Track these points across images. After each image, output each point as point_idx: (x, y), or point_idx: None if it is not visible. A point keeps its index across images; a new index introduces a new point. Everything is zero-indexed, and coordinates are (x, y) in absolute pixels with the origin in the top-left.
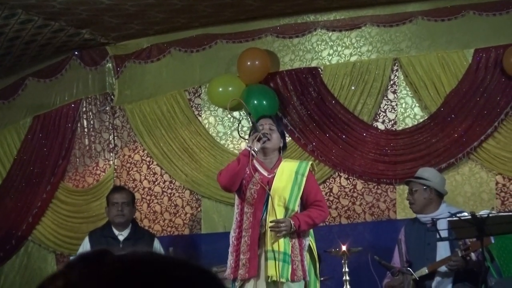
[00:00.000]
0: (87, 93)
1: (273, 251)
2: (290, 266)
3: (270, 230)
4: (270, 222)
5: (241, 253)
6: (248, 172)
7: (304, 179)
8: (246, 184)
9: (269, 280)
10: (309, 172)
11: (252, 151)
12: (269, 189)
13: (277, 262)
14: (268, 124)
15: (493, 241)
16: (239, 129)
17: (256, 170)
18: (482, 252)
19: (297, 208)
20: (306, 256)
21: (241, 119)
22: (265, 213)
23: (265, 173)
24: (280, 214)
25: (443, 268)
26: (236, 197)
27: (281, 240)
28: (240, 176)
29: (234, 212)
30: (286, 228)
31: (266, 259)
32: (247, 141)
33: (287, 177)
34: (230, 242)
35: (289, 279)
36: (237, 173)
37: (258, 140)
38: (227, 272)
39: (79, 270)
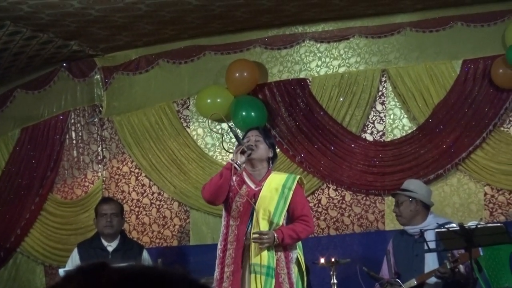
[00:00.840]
0: (75, 104)
1: (255, 264)
2: (273, 280)
3: (253, 242)
4: (253, 233)
5: (226, 265)
6: (234, 185)
7: (291, 193)
8: (232, 197)
9: None
10: (297, 186)
11: (235, 165)
12: (255, 202)
13: (258, 276)
14: (254, 135)
15: (481, 254)
16: (222, 142)
17: (243, 182)
18: (471, 263)
19: (282, 222)
20: (294, 268)
21: (225, 132)
22: (250, 226)
23: (253, 186)
24: (264, 227)
25: (432, 280)
26: (223, 209)
27: (265, 254)
28: (223, 190)
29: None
30: (269, 240)
31: (250, 272)
32: (231, 153)
33: (274, 190)
34: (217, 255)
35: None
36: (220, 187)
37: (242, 153)
38: (214, 285)
39: (77, 282)
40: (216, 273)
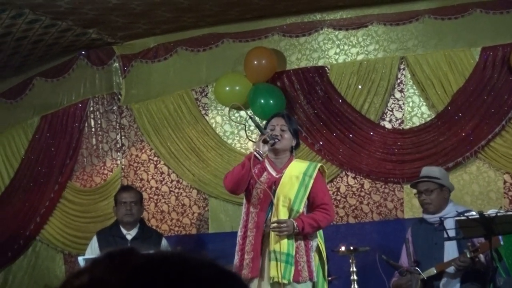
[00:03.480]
0: (94, 92)
1: (275, 251)
2: (292, 268)
3: (271, 230)
4: (272, 222)
5: (246, 252)
6: (254, 175)
7: (312, 181)
8: (253, 184)
9: (271, 281)
10: (318, 174)
11: (257, 154)
12: (275, 189)
13: (279, 263)
14: (280, 124)
15: (502, 243)
16: (246, 130)
17: (265, 169)
18: (491, 253)
19: (302, 210)
20: (315, 257)
21: (247, 118)
22: (269, 213)
23: (274, 173)
24: (284, 215)
25: (451, 269)
26: (244, 196)
27: (285, 241)
28: (245, 180)
29: (241, 211)
30: (288, 229)
31: (269, 260)
32: (254, 142)
33: (295, 177)
34: (237, 242)
35: (291, 280)
36: (242, 177)
37: (265, 142)
38: None
39: (104, 266)
40: (236, 260)
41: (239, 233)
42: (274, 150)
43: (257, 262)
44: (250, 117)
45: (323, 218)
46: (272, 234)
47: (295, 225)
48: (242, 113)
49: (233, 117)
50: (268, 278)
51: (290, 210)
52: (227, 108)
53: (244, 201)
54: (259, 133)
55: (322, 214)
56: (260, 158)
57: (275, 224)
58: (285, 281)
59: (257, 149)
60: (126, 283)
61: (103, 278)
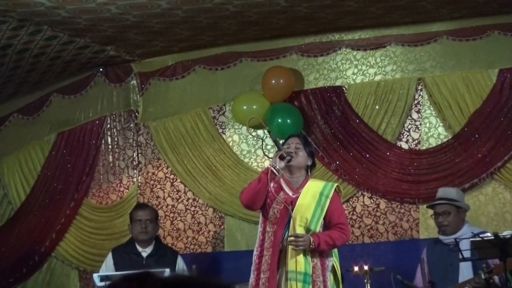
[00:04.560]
0: (111, 109)
1: (293, 271)
2: (310, 287)
3: (288, 244)
4: (289, 236)
5: (262, 272)
6: (272, 191)
7: (328, 200)
8: (270, 203)
9: None
10: (334, 194)
11: (274, 169)
12: (292, 209)
13: (297, 283)
14: (294, 143)
15: None
16: (263, 147)
17: (281, 189)
18: (505, 274)
19: (318, 229)
20: (330, 276)
21: (264, 137)
22: (286, 232)
23: (290, 193)
24: (301, 233)
25: None
26: (260, 215)
27: (301, 260)
28: (261, 195)
29: (257, 230)
30: (305, 243)
31: (286, 279)
32: (270, 159)
33: (311, 197)
34: (253, 261)
35: None
36: (258, 192)
37: (281, 159)
38: None
39: None
40: (252, 279)
41: (255, 252)
42: (289, 168)
43: (273, 281)
44: (269, 132)
45: (339, 237)
46: (289, 253)
47: (311, 240)
48: (259, 132)
49: (253, 133)
50: None
51: (307, 230)
52: (244, 127)
53: (261, 220)
54: (276, 150)
55: (338, 232)
56: (276, 173)
57: (292, 238)
58: None
59: (274, 164)
60: None
61: None
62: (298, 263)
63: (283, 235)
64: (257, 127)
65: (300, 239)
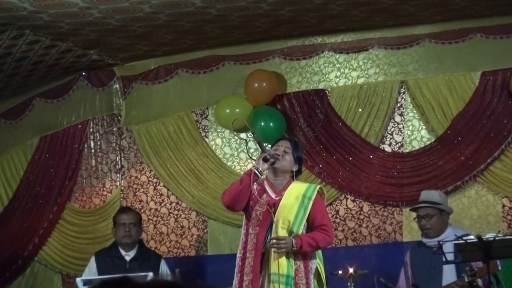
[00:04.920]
0: (94, 114)
1: (276, 274)
2: None
3: (270, 246)
4: (271, 239)
5: (245, 274)
6: (254, 193)
7: (311, 202)
8: (253, 205)
9: None
10: (317, 196)
11: (256, 171)
12: (275, 211)
13: (279, 285)
14: (284, 146)
15: (500, 268)
16: (247, 150)
17: (264, 191)
18: (489, 277)
19: (301, 231)
20: (314, 280)
21: (248, 140)
22: (269, 235)
23: (273, 195)
24: (284, 235)
25: None
26: (244, 217)
27: (284, 263)
28: (243, 196)
29: (241, 233)
30: (287, 245)
31: (269, 282)
32: (254, 161)
33: (294, 199)
34: (236, 263)
35: None
36: (239, 193)
37: (265, 161)
38: None
39: None
40: (235, 282)
41: (238, 255)
42: (274, 170)
43: (257, 283)
44: (253, 133)
45: (322, 239)
46: (272, 255)
47: (293, 242)
48: (242, 135)
49: (235, 137)
50: None
51: (290, 232)
52: (227, 131)
53: (244, 222)
54: (260, 151)
55: (321, 234)
56: (259, 175)
57: (274, 240)
58: None
59: (257, 166)
60: None
61: None
62: (281, 265)
63: (266, 237)
64: (241, 129)
65: (282, 241)
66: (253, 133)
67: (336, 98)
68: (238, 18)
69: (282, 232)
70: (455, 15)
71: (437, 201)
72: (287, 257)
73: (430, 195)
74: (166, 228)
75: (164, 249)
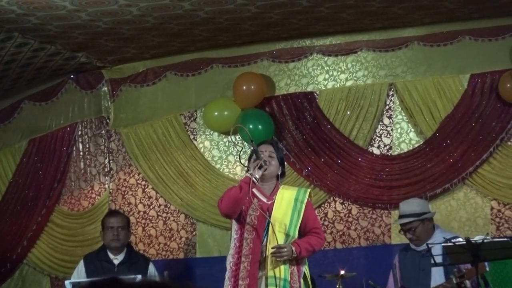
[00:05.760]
0: (82, 116)
1: (274, 277)
2: None
3: (272, 256)
4: (272, 248)
5: (240, 279)
6: (247, 199)
7: (304, 206)
8: (245, 210)
9: None
10: (308, 199)
11: (254, 179)
12: (269, 216)
13: None
14: (268, 151)
15: (488, 269)
16: (240, 156)
17: (254, 196)
18: (477, 278)
19: (296, 235)
20: (302, 282)
21: (248, 146)
22: (265, 239)
23: (264, 200)
24: (280, 240)
25: None
26: (234, 222)
27: (281, 267)
28: (241, 204)
29: (231, 237)
30: (288, 253)
31: (266, 285)
32: (247, 168)
33: (287, 204)
34: (228, 268)
35: None
36: (239, 201)
37: (260, 168)
38: None
39: None
40: (228, 286)
41: (230, 259)
42: (262, 176)
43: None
44: (251, 141)
45: (317, 242)
46: (269, 259)
47: (293, 249)
48: (231, 138)
49: (224, 139)
50: None
51: (287, 236)
52: (216, 133)
53: (235, 227)
54: (253, 159)
55: (316, 238)
56: (256, 183)
57: (275, 249)
58: None
59: (253, 174)
60: None
61: None
62: (280, 269)
63: (262, 241)
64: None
65: (283, 249)
66: (251, 141)
67: (324, 101)
68: (226, 21)
69: (280, 236)
70: (443, 18)
71: (415, 212)
72: (284, 262)
73: (407, 206)
74: (154, 231)
75: (153, 252)
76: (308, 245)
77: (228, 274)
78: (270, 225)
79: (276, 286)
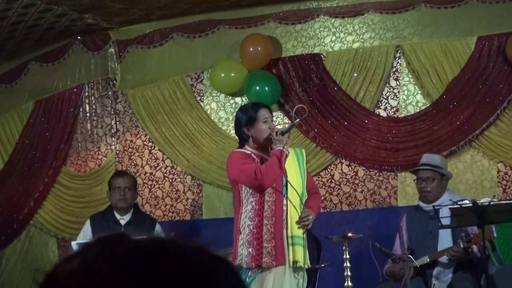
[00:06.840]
0: (89, 77)
1: (295, 236)
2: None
3: (302, 224)
4: (301, 216)
5: (264, 241)
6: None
7: (305, 166)
8: None
9: (296, 265)
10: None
11: (287, 152)
12: (286, 179)
13: (299, 247)
14: (269, 117)
15: (495, 235)
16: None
17: (262, 163)
18: (483, 243)
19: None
20: None
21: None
22: (285, 199)
23: None
24: (296, 200)
25: (444, 258)
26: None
27: (296, 226)
28: None
29: (245, 200)
30: (314, 218)
31: (293, 244)
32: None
33: (293, 165)
34: (247, 231)
35: (309, 265)
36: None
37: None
38: (246, 260)
39: (96, 251)
40: (249, 249)
41: (249, 222)
42: (264, 141)
43: (282, 249)
44: (296, 118)
45: (320, 204)
46: (290, 220)
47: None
48: (237, 99)
49: (228, 102)
50: (288, 263)
51: (302, 195)
52: (222, 95)
53: (250, 190)
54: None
55: (319, 199)
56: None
57: (304, 218)
58: (307, 266)
59: (284, 145)
60: (116, 270)
61: (94, 265)
62: (299, 228)
63: (282, 203)
64: (235, 94)
65: (309, 217)
66: (296, 118)
67: (331, 63)
68: None
69: (294, 195)
70: None
71: (438, 165)
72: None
73: (432, 158)
74: (161, 192)
75: (159, 213)
76: (318, 208)
77: (247, 237)
78: (289, 185)
79: (300, 245)
